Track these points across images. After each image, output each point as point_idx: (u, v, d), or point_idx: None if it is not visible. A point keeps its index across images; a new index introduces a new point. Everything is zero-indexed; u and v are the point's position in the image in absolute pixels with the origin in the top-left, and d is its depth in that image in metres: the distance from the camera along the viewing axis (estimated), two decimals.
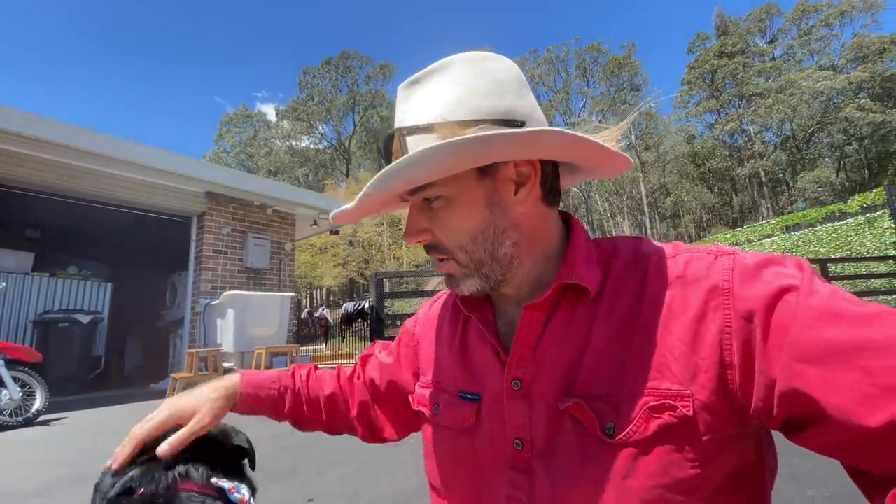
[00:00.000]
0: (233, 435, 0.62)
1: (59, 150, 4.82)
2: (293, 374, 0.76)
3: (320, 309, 13.46)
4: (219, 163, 28.92)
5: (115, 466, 0.54)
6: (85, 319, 5.71)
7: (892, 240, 10.22)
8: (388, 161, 0.51)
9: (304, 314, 13.16)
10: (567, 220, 0.59)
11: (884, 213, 10.54)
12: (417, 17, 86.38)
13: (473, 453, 0.56)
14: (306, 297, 25.93)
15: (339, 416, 0.76)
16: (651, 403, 0.45)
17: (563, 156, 0.53)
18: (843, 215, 11.77)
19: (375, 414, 0.76)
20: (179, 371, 5.47)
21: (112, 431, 3.21)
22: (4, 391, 3.51)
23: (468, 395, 0.59)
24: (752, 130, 31.02)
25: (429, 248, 0.56)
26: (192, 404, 0.61)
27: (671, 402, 0.44)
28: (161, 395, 4.92)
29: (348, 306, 10.98)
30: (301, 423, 0.75)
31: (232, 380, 0.69)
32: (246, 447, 0.62)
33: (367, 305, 9.12)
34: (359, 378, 0.78)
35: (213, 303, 5.76)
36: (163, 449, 0.54)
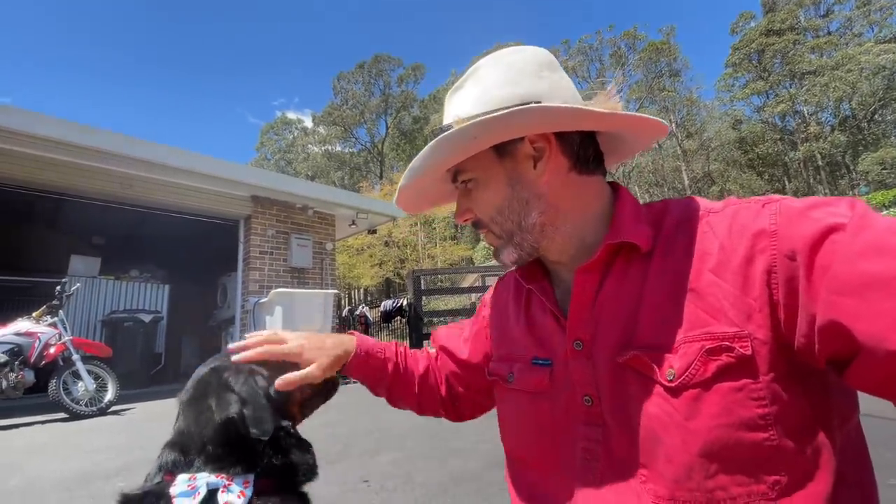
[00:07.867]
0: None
1: (119, 160, 5.16)
2: (395, 347, 0.80)
3: (360, 307, 13.76)
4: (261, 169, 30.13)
5: (238, 359, 0.64)
6: (147, 318, 6.12)
7: None
8: None
9: (344, 312, 13.50)
10: (615, 188, 0.63)
11: None
12: (445, 15, 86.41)
13: (551, 415, 0.59)
14: (345, 297, 26.56)
15: (429, 395, 0.80)
16: (708, 346, 0.46)
17: (568, 126, 0.56)
18: None
19: (457, 394, 0.79)
20: None
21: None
22: (81, 383, 3.82)
23: (540, 361, 0.62)
24: (805, 111, 28.96)
25: (475, 225, 0.63)
26: (316, 354, 0.67)
27: (728, 343, 0.45)
28: None
29: (387, 304, 11.17)
30: (395, 398, 0.78)
31: (349, 341, 0.73)
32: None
33: (405, 303, 9.24)
34: (438, 360, 0.82)
35: (262, 301, 6.02)
36: (280, 384, 0.62)
